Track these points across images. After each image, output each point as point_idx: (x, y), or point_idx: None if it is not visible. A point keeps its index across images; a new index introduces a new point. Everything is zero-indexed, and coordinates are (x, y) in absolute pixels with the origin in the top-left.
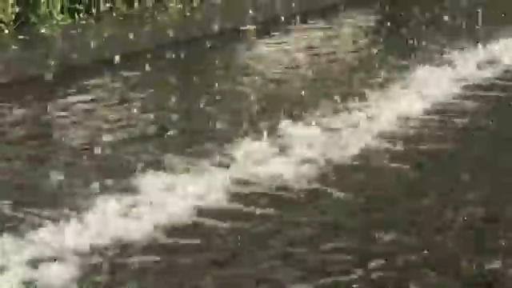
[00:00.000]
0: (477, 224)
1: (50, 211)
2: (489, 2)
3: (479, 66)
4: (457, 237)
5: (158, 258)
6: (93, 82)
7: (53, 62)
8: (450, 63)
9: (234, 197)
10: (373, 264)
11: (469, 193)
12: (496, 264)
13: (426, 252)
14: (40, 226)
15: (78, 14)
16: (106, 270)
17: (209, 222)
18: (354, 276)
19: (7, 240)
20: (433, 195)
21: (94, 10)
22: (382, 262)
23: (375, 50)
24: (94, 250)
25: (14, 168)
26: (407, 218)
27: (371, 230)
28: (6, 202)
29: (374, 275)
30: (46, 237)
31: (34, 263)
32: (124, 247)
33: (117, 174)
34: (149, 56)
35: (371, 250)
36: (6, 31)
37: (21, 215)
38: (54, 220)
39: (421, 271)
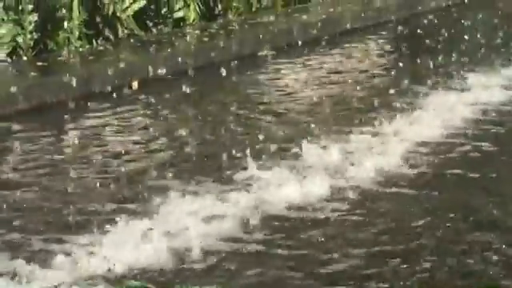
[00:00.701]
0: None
1: (68, 237)
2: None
3: (497, 90)
4: None
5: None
6: (111, 107)
7: (71, 88)
8: (467, 87)
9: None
10: None
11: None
12: None
13: None
14: (59, 251)
15: (96, 40)
16: None
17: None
18: None
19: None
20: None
21: (112, 36)
22: None
23: (391, 75)
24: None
25: (33, 194)
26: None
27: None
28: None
29: None
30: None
31: None
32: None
33: (133, 199)
34: (166, 81)
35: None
36: (25, 57)
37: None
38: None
39: None
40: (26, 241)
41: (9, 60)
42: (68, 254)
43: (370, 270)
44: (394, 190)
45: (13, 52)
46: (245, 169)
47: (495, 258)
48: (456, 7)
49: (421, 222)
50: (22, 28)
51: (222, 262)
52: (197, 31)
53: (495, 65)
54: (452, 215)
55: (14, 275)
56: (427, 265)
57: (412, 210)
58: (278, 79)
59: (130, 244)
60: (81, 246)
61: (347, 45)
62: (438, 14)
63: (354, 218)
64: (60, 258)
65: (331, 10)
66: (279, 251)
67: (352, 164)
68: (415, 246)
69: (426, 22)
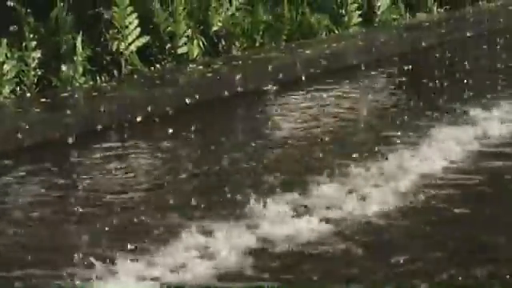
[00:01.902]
0: None
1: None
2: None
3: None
4: None
5: None
6: (115, 143)
7: (75, 125)
8: (473, 122)
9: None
10: None
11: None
12: None
13: None
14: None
15: (100, 76)
16: None
17: None
18: None
19: None
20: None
21: (115, 72)
22: None
23: (395, 110)
24: None
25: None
26: None
27: None
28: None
29: None
30: None
31: None
32: None
33: (138, 236)
34: (170, 117)
35: None
36: (29, 94)
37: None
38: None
39: None
40: None
41: (12, 97)
42: None
43: None
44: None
45: (17, 89)
46: None
47: None
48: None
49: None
50: (26, 64)
51: None
52: (200, 67)
53: None
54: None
55: None
56: None
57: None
58: (281, 113)
59: None
60: None
61: (349, 79)
62: (442, 48)
63: None
64: None
65: (334, 44)
66: None
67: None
68: None
69: (429, 56)
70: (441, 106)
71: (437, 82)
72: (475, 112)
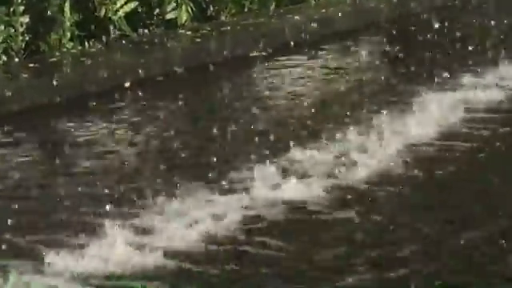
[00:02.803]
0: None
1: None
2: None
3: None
4: None
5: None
6: (103, 108)
7: (63, 90)
8: (457, 87)
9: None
10: None
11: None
12: None
13: None
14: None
15: (88, 41)
16: None
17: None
18: None
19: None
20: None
21: (103, 38)
22: None
23: (383, 75)
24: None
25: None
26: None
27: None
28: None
29: None
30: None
31: None
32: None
33: (126, 199)
34: (158, 82)
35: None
36: (17, 59)
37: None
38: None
39: None
40: None
41: (1, 62)
42: None
43: None
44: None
45: (4, 54)
46: None
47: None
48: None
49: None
50: (14, 30)
51: None
52: (189, 32)
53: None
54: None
55: None
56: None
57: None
58: (269, 79)
59: None
60: None
61: (339, 45)
62: (431, 14)
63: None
64: None
65: (323, 10)
66: None
67: (343, 164)
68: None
69: (418, 21)
70: (428, 70)
71: (425, 46)
72: (462, 76)
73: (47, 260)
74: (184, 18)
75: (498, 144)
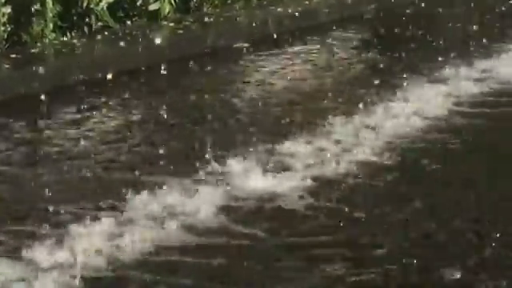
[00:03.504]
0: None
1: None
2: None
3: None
4: None
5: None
6: (85, 99)
7: (44, 81)
8: (442, 80)
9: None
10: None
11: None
12: None
13: None
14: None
15: (70, 32)
16: None
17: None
18: None
19: None
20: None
21: (86, 29)
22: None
23: (363, 66)
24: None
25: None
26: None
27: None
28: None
29: None
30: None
31: None
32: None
33: (110, 192)
34: (141, 73)
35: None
36: None
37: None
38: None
39: None
40: None
41: None
42: None
43: None
44: None
45: None
46: None
47: None
48: None
49: None
50: None
51: None
52: (171, 24)
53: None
54: None
55: None
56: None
57: None
58: (252, 71)
59: None
60: None
61: (321, 37)
62: (415, 7)
63: None
64: None
65: (306, 2)
66: None
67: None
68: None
69: (402, 13)
70: (410, 63)
71: (407, 38)
72: (445, 69)
73: None
74: (167, 9)
75: (480, 135)
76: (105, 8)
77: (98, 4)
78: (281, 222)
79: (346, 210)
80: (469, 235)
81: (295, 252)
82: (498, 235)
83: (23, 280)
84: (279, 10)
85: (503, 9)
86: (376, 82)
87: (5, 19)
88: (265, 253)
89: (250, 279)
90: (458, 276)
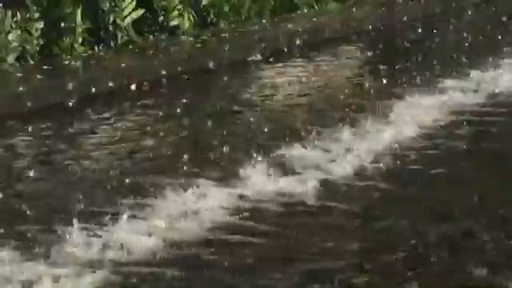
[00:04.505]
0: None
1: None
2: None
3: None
4: None
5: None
6: (111, 108)
7: (74, 90)
8: (440, 91)
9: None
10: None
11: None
12: None
13: None
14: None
15: (98, 46)
16: None
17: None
18: None
19: None
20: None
21: (112, 43)
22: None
23: (368, 78)
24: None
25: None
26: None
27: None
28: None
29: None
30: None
31: None
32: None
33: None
34: (163, 84)
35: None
36: (32, 62)
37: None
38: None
39: None
40: None
41: (17, 64)
42: None
43: None
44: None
45: (21, 57)
46: None
47: None
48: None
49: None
50: (30, 35)
51: None
52: (190, 38)
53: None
54: None
55: None
56: None
57: None
58: (265, 81)
59: None
60: None
61: (328, 51)
62: (416, 23)
63: None
64: None
65: (314, 19)
66: None
67: (332, 160)
68: None
69: (404, 31)
70: (413, 75)
71: (410, 53)
72: (442, 80)
73: None
74: (186, 25)
75: (479, 142)
76: (129, 24)
77: (123, 20)
78: None
79: None
80: None
81: None
82: None
83: None
84: (290, 26)
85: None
86: (376, 91)
87: (38, 34)
88: None
89: None
90: None
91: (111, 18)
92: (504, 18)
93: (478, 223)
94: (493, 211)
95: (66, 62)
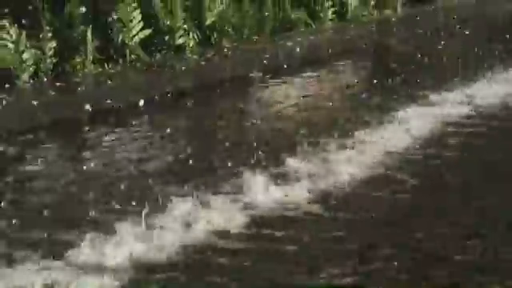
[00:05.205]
0: None
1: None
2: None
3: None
4: None
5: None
6: (120, 122)
7: (85, 105)
8: (432, 103)
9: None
10: None
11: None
12: None
13: None
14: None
15: (107, 63)
16: None
17: None
18: None
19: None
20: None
21: (121, 61)
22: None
23: (362, 91)
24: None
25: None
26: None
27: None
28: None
29: None
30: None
31: None
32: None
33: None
34: (169, 99)
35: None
36: (45, 79)
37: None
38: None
39: None
40: None
41: (31, 81)
42: None
43: None
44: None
45: (35, 74)
46: None
47: None
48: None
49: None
50: (43, 53)
51: None
52: (195, 56)
53: None
54: None
55: None
56: None
57: None
58: (265, 95)
59: None
60: None
61: (325, 66)
62: (407, 41)
63: None
64: None
65: (312, 37)
66: None
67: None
68: None
69: (396, 46)
70: (402, 89)
71: (403, 69)
72: (434, 94)
73: None
74: (191, 43)
75: (468, 149)
76: (137, 43)
77: (131, 39)
78: None
79: None
80: None
81: None
82: None
83: None
84: (289, 44)
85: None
86: (371, 104)
87: (51, 52)
88: None
89: None
90: None
91: (120, 38)
92: None
93: None
94: None
95: (78, 79)
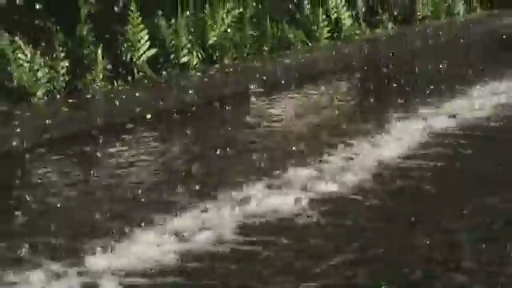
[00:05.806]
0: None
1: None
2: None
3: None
4: None
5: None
6: (129, 136)
7: (96, 121)
8: (422, 117)
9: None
10: None
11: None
12: None
13: None
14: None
15: (117, 81)
16: None
17: None
18: None
19: None
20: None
21: (129, 78)
22: None
23: (357, 107)
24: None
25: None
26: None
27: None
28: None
29: None
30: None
31: None
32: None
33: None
34: (174, 114)
35: None
36: (58, 96)
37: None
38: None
39: None
40: None
41: (45, 98)
42: None
43: None
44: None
45: (48, 92)
46: None
47: None
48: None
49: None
50: (56, 72)
51: None
52: (198, 73)
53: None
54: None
55: None
56: None
57: None
58: (265, 109)
59: None
60: None
61: (321, 82)
62: (399, 57)
63: None
64: None
65: (308, 55)
66: None
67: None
68: None
69: (391, 62)
70: (396, 103)
71: (393, 84)
72: (422, 108)
73: None
74: (195, 61)
75: (455, 161)
76: (144, 61)
77: (138, 58)
78: None
79: None
80: None
81: None
82: None
83: None
84: (286, 61)
85: None
86: (363, 117)
87: (63, 71)
88: None
89: None
90: None
91: (128, 57)
92: None
93: None
94: None
95: (89, 96)
